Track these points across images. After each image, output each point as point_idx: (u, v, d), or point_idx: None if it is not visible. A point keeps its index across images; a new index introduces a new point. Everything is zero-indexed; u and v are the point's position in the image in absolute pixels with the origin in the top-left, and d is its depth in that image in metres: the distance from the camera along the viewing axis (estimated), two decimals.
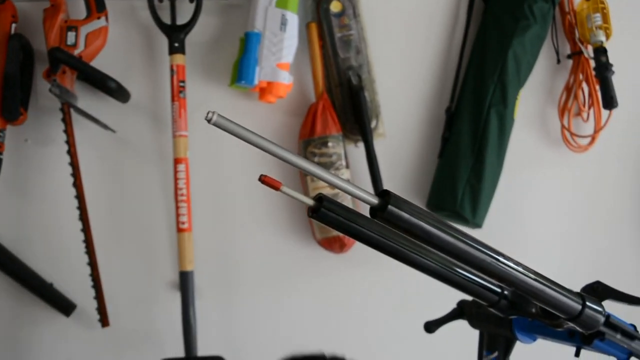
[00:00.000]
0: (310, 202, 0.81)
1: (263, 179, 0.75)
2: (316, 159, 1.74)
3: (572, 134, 1.92)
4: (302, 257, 1.85)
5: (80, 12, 1.75)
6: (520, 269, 0.75)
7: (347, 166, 1.77)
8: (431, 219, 0.70)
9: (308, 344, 1.63)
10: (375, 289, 1.88)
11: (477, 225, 1.82)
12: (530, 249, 1.93)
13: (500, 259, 0.73)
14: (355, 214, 0.81)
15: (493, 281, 0.86)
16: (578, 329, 0.86)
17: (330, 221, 0.79)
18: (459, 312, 1.23)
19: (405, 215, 0.68)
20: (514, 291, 0.83)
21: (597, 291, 0.98)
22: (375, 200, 0.67)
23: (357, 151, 1.81)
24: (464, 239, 0.71)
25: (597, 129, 1.91)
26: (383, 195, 0.68)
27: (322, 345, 1.59)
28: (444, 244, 0.70)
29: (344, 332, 1.87)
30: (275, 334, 1.85)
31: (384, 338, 1.89)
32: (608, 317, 0.94)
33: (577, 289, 0.96)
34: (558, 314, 0.82)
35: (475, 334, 1.17)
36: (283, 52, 1.73)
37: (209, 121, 0.60)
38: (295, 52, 1.76)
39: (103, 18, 1.72)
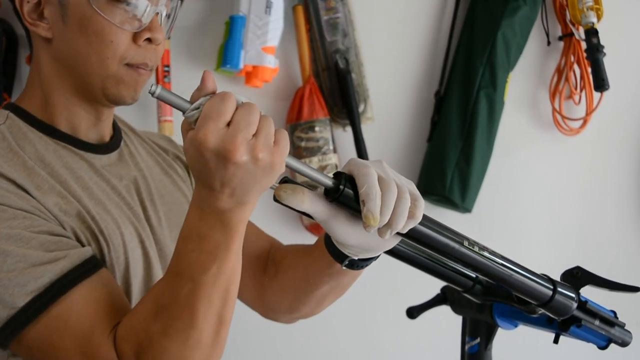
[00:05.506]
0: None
1: None
2: (303, 144, 1.72)
3: (563, 117, 1.90)
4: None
5: None
6: (485, 253, 0.73)
7: (335, 151, 1.75)
8: None
9: (297, 329, 1.61)
10: (364, 272, 1.86)
11: (467, 209, 1.80)
12: (521, 233, 1.91)
13: (465, 243, 0.72)
14: None
15: None
16: (550, 315, 0.84)
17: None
18: (442, 297, 1.22)
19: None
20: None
21: (577, 277, 0.96)
22: (330, 182, 0.65)
23: (345, 135, 1.79)
24: (426, 224, 0.70)
25: (589, 112, 1.89)
26: (338, 177, 0.66)
27: (311, 330, 1.59)
28: None
29: (333, 317, 1.85)
30: (263, 321, 1.83)
31: (374, 321, 1.87)
32: (585, 303, 0.93)
33: None
34: (528, 299, 0.80)
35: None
36: (268, 36, 1.70)
37: (152, 94, 0.59)
38: (282, 35, 1.73)
39: None
